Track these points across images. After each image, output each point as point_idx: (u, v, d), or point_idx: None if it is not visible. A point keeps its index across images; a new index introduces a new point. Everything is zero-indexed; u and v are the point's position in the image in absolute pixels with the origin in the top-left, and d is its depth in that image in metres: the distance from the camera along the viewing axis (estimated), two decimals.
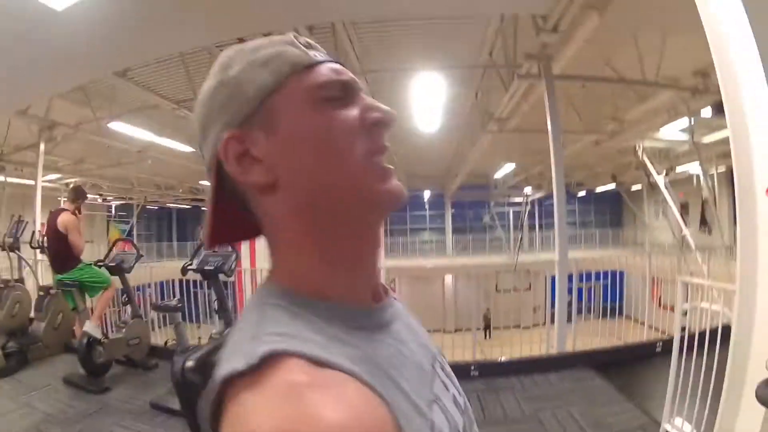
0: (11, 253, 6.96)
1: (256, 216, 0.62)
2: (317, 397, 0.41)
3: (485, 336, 16.40)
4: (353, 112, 0.60)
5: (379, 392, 0.46)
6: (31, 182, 10.34)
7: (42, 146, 9.68)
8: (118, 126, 9.87)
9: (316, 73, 0.60)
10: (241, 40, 6.60)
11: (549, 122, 6.40)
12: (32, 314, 5.95)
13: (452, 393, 0.65)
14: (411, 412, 0.51)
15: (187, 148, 12.61)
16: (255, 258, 7.07)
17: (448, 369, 0.70)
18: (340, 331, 0.53)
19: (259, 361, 0.44)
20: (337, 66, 0.63)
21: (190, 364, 0.75)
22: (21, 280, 6.60)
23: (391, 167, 0.61)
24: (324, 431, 0.38)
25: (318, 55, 0.62)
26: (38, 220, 8.37)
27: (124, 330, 5.33)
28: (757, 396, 1.48)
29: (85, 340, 4.84)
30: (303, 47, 0.62)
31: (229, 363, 0.46)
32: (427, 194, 26.58)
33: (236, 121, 0.58)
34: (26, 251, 7.25)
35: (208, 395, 0.47)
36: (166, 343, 6.07)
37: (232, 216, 0.64)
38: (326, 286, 0.58)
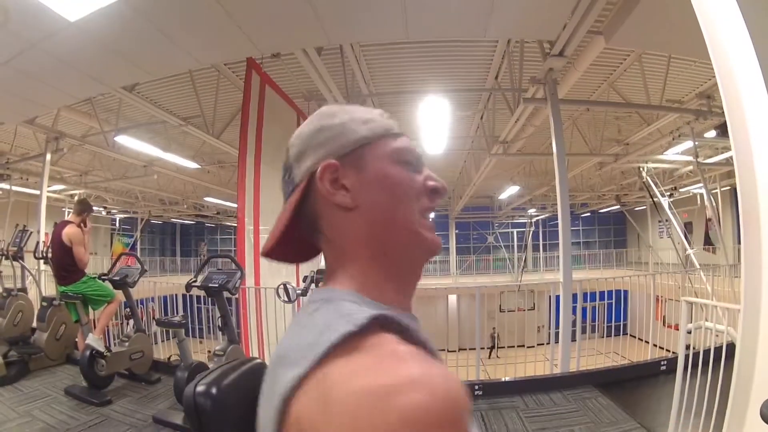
0: (14, 262, 6.95)
1: (326, 235, 0.75)
2: (422, 364, 0.50)
3: (489, 355, 16.28)
4: (419, 177, 0.77)
5: None
6: (36, 192, 10.35)
7: (48, 156, 9.70)
8: (124, 140, 9.91)
9: (400, 140, 0.78)
10: (250, 60, 6.70)
11: (554, 145, 6.42)
12: (34, 324, 5.94)
13: None
14: None
15: (193, 165, 12.64)
16: (259, 277, 7.06)
17: None
18: None
19: (367, 322, 0.56)
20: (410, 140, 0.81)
21: (201, 388, 0.80)
22: (24, 290, 6.57)
23: (433, 224, 0.79)
24: (431, 391, 0.46)
25: (399, 127, 0.80)
26: (42, 230, 8.39)
27: (126, 343, 5.29)
28: (761, 415, 1.48)
29: (87, 353, 4.81)
30: (388, 119, 0.80)
31: (332, 332, 0.55)
32: (431, 215, 26.48)
33: (333, 156, 0.73)
34: (30, 261, 7.25)
35: (298, 365, 0.55)
36: (169, 358, 6.05)
37: (291, 238, 0.76)
38: (386, 296, 0.71)
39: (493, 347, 16.68)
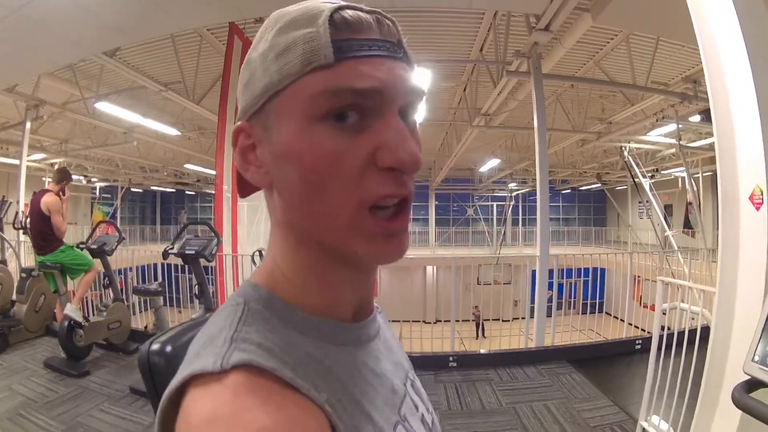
0: None
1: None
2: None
3: (477, 335, 15.75)
4: (362, 144, 0.49)
5: (335, 422, 0.45)
6: (16, 162, 10.09)
7: (28, 125, 9.47)
8: (104, 106, 9.72)
9: (330, 75, 0.47)
10: (233, 25, 6.56)
11: (536, 119, 6.43)
12: (14, 296, 5.85)
13: (421, 412, 0.64)
14: None
15: (173, 131, 12.49)
16: (237, 243, 7.04)
17: (419, 385, 0.69)
18: (315, 348, 0.51)
19: (231, 367, 0.42)
20: (374, 60, 0.49)
21: (155, 347, 0.76)
22: (3, 262, 6.48)
23: (400, 222, 0.52)
24: None
25: (347, 44, 0.48)
26: (22, 201, 8.23)
27: (104, 313, 5.27)
28: (733, 399, 1.50)
29: (66, 323, 4.78)
30: (336, 25, 0.49)
31: (200, 359, 0.45)
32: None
33: (248, 111, 0.53)
34: (9, 232, 7.13)
35: (171, 385, 0.46)
36: (146, 327, 6.03)
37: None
38: (309, 296, 0.54)
39: (478, 325, 16.05)
